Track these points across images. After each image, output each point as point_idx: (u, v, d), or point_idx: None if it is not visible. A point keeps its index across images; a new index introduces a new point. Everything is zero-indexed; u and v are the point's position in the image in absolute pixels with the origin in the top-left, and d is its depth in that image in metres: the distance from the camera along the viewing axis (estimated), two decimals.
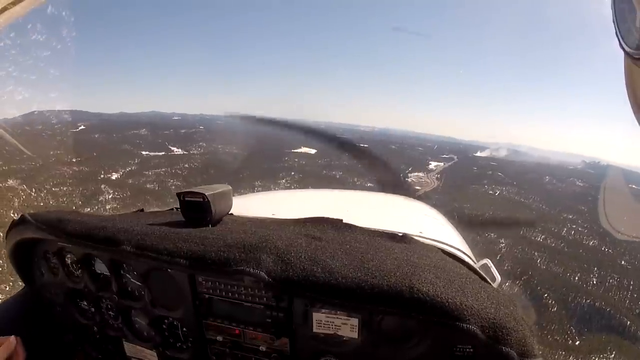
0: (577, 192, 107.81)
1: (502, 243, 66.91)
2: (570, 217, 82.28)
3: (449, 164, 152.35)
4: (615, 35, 0.82)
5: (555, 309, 48.92)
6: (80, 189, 75.72)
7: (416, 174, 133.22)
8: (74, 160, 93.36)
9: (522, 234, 73.61)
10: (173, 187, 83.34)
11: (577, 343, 45.12)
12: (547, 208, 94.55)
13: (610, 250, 67.11)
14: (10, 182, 70.32)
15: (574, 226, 76.59)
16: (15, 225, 2.29)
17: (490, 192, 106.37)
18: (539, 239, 72.81)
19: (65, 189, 73.75)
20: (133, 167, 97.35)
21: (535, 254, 64.92)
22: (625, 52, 0.79)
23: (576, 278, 58.91)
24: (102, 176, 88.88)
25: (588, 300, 51.44)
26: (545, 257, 63.99)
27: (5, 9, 1.49)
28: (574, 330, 46.33)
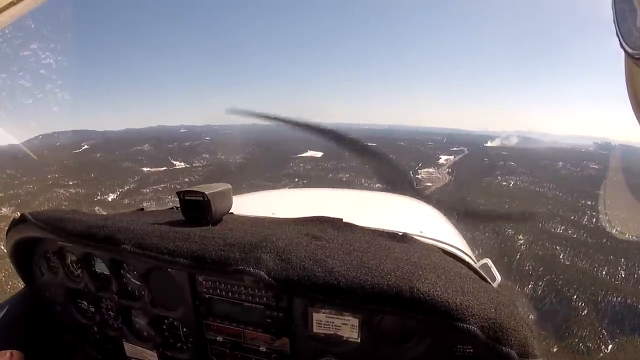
0: (592, 175, 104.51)
1: (521, 240, 63.25)
2: (589, 203, 78.59)
3: (460, 156, 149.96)
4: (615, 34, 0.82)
5: (585, 312, 45.24)
6: None
7: (426, 169, 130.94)
8: (71, 182, 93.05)
9: (542, 227, 70.05)
10: (170, 204, 80.00)
11: (610, 348, 41.56)
12: (564, 196, 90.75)
13: (635, 238, 62.34)
14: (4, 210, 69.79)
15: (594, 213, 72.29)
16: (15, 224, 2.28)
17: (504, 183, 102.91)
18: (559, 230, 69.12)
19: None
20: (131, 186, 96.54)
21: (558, 248, 61.08)
22: (626, 52, 0.79)
23: (603, 272, 55.13)
24: (98, 197, 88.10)
25: (619, 298, 47.50)
26: (569, 251, 60.15)
27: (3, 9, 1.46)
28: (605, 334, 42.83)
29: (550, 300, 47.51)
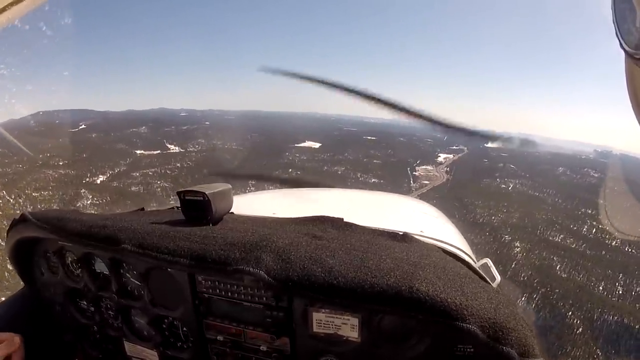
0: (592, 183, 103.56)
1: (518, 247, 62.09)
2: (589, 212, 77.67)
3: (459, 155, 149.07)
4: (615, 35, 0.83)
5: (580, 330, 43.78)
6: (60, 193, 73.30)
7: (424, 167, 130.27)
8: (61, 163, 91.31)
9: (539, 234, 68.72)
10: (158, 190, 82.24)
11: None
12: (563, 203, 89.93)
13: (633, 251, 62.06)
14: None
15: (594, 223, 71.18)
16: (15, 224, 2.30)
17: (503, 186, 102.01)
18: (557, 239, 67.96)
19: (45, 194, 71.60)
20: (122, 168, 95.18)
21: (555, 259, 59.61)
22: (626, 52, 0.81)
23: (601, 288, 53.60)
24: (87, 179, 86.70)
25: (615, 317, 46.05)
26: (566, 262, 58.62)
27: (5, 8, 1.47)
28: (600, 354, 41.48)
29: (545, 315, 46.00)
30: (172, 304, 2.03)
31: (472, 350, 1.53)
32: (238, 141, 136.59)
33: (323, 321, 1.73)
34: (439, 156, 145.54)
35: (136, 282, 2.12)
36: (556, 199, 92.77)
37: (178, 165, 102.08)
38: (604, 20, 0.88)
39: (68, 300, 2.43)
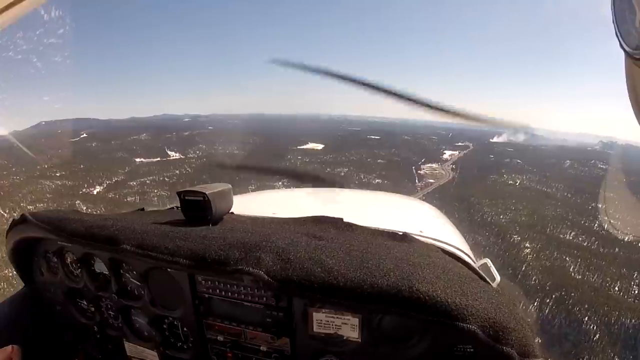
0: (601, 176, 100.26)
1: (528, 248, 59.88)
2: (600, 206, 74.78)
3: (465, 152, 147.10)
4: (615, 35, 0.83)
5: (597, 336, 41.77)
6: (55, 205, 71.35)
7: (430, 165, 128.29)
8: (58, 174, 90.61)
9: (550, 232, 66.56)
10: (155, 198, 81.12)
11: None
12: (573, 197, 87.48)
13: None
14: None
15: (605, 218, 68.53)
16: (15, 224, 2.33)
17: (510, 182, 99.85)
18: (568, 236, 65.83)
19: (40, 206, 69.70)
20: (119, 178, 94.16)
21: (567, 259, 57.41)
22: (626, 52, 0.81)
23: (616, 288, 51.37)
24: (84, 190, 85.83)
25: (633, 320, 43.78)
26: (580, 262, 56.40)
27: (5, 9, 1.48)
28: None
29: (560, 322, 43.90)
30: (172, 304, 2.05)
31: (472, 350, 1.55)
32: (239, 145, 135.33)
33: (323, 321, 1.76)
34: (444, 153, 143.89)
35: (136, 282, 2.12)
36: (565, 194, 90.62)
37: (177, 172, 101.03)
38: (604, 20, 0.88)
39: (68, 300, 2.44)
